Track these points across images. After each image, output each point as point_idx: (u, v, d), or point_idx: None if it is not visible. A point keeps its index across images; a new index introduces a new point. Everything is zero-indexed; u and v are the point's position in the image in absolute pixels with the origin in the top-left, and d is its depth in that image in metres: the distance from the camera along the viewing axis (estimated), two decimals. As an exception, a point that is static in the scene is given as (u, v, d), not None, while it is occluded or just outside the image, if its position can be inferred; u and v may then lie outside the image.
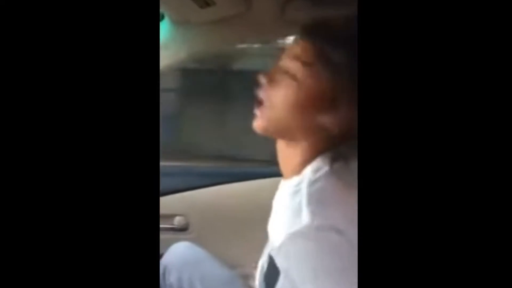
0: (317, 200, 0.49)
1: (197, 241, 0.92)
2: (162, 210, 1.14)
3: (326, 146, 0.53)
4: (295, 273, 0.46)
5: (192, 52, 0.82)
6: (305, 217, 0.47)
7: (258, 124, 0.55)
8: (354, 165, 0.44)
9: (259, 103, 0.55)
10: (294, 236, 0.47)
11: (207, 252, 0.88)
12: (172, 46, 0.79)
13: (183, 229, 1.11)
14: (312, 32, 0.53)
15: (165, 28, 0.78)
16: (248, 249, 1.12)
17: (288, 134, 0.55)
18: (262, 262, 0.57)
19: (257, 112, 0.55)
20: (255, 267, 0.61)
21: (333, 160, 0.52)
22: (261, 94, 0.55)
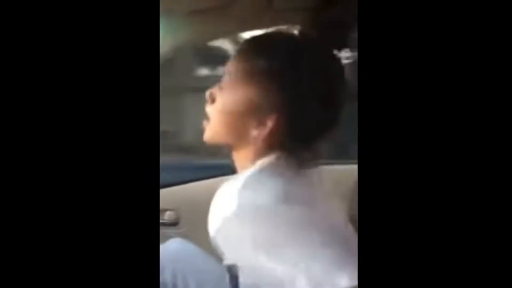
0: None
1: (188, 235, 0.91)
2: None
3: (260, 154, 0.57)
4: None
5: (176, 44, 0.80)
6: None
7: (204, 136, 0.61)
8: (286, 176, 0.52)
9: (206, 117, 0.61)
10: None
11: (199, 247, 0.88)
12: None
13: (173, 223, 1.10)
14: (246, 46, 0.58)
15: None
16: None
17: (228, 142, 0.60)
18: None
19: (204, 125, 0.61)
20: None
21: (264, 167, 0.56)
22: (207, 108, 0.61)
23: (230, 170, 1.16)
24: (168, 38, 0.80)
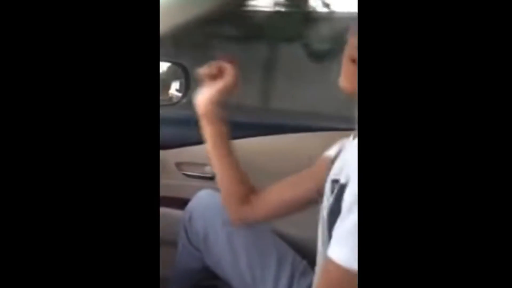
0: None
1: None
2: (194, 159, 1.17)
3: None
4: None
5: (196, 15, 0.76)
6: None
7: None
8: None
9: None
10: None
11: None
12: (174, 10, 0.74)
13: (212, 177, 1.14)
14: None
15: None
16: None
17: None
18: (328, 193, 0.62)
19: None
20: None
21: None
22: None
23: (268, 130, 1.17)
24: (188, 10, 0.76)
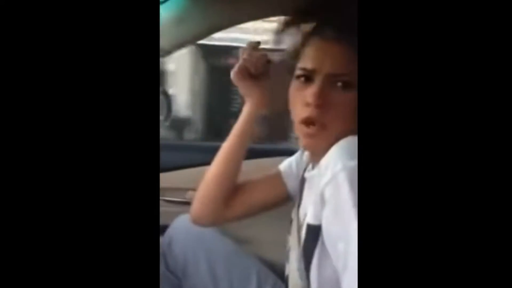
0: None
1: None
2: (176, 184, 1.15)
3: None
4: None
5: (210, 26, 0.79)
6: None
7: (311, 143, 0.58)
8: None
9: (310, 122, 0.56)
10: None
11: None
12: (190, 20, 0.77)
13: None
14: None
15: (182, 0, 0.75)
16: (258, 227, 1.12)
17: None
18: (299, 234, 0.61)
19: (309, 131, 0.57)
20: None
21: None
22: (311, 113, 0.56)
23: (256, 153, 1.16)
24: (203, 21, 0.78)
